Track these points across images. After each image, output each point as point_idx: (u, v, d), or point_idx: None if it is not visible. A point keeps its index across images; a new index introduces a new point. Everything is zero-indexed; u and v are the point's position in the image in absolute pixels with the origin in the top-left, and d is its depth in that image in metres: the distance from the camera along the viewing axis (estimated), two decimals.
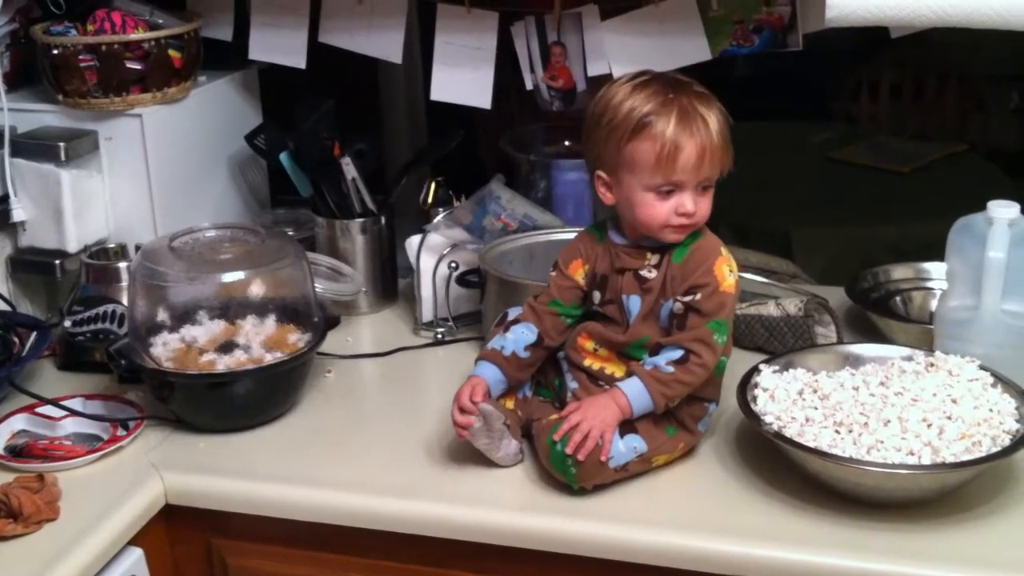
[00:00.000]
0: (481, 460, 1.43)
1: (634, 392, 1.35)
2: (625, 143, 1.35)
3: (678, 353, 1.35)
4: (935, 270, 1.78)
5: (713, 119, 1.35)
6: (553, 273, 1.48)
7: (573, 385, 1.45)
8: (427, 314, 1.82)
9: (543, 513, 1.36)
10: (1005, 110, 4.08)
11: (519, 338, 1.45)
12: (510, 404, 1.46)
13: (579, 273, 1.46)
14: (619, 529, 1.33)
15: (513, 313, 1.50)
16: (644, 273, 1.40)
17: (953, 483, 1.30)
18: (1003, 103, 4.05)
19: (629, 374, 1.39)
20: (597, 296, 1.45)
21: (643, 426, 1.37)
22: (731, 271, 1.38)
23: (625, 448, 1.35)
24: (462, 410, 1.39)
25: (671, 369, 1.35)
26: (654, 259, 1.40)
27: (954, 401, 1.34)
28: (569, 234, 1.75)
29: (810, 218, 2.73)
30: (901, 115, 3.77)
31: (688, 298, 1.36)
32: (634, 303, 1.41)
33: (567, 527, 1.34)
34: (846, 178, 3.04)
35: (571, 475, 1.35)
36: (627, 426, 1.36)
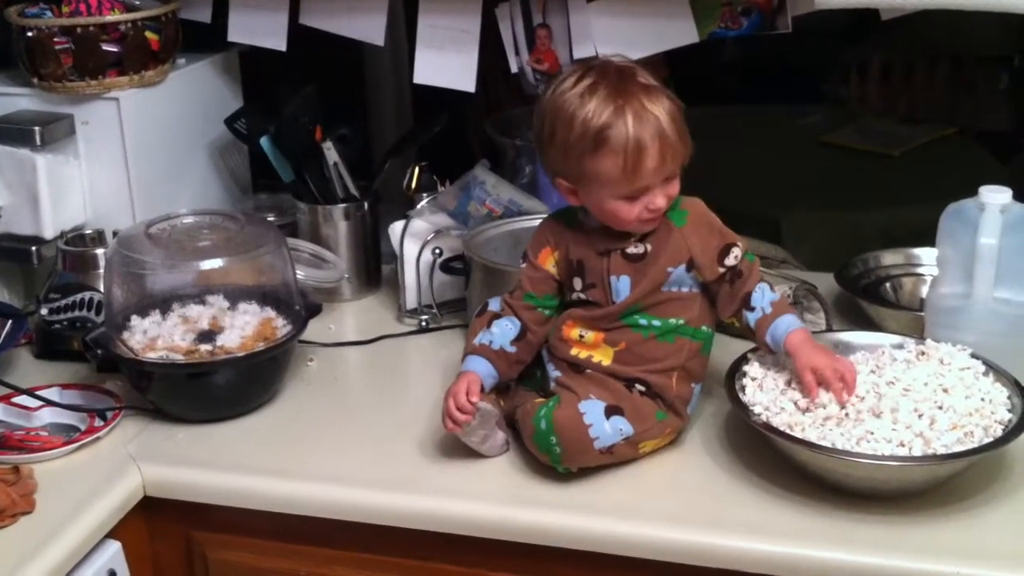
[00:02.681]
0: (466, 451, 1.41)
1: (798, 321, 1.38)
2: (587, 159, 1.34)
3: (773, 294, 1.39)
4: (926, 256, 1.75)
5: (664, 114, 1.32)
6: (523, 265, 1.46)
7: (555, 374, 1.43)
8: (411, 301, 1.79)
9: (528, 505, 1.34)
10: (995, 91, 4.06)
11: (504, 332, 1.44)
12: (493, 395, 1.43)
13: (549, 262, 1.44)
14: (605, 521, 1.31)
15: (494, 304, 1.48)
16: (632, 250, 1.38)
17: (944, 474, 1.29)
18: (993, 84, 4.03)
19: (619, 359, 1.38)
20: (578, 282, 1.42)
21: (630, 409, 1.35)
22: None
23: (611, 429, 1.33)
24: (460, 408, 1.37)
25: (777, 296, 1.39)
26: (638, 233, 1.39)
27: (945, 391, 1.32)
28: None
29: (799, 202, 2.71)
30: (890, 97, 3.75)
31: (731, 262, 1.39)
32: (623, 284, 1.39)
33: (553, 520, 1.32)
34: (836, 162, 3.02)
35: (555, 455, 1.33)
36: (613, 408, 1.34)
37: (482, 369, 1.42)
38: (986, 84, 3.88)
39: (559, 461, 1.34)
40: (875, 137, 3.14)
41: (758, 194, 2.73)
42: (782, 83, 3.77)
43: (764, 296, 1.38)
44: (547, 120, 1.37)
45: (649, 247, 1.38)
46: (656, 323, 1.39)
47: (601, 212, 1.38)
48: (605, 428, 1.33)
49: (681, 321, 1.39)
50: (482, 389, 1.40)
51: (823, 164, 3.02)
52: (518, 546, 1.33)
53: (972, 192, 1.50)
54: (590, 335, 1.41)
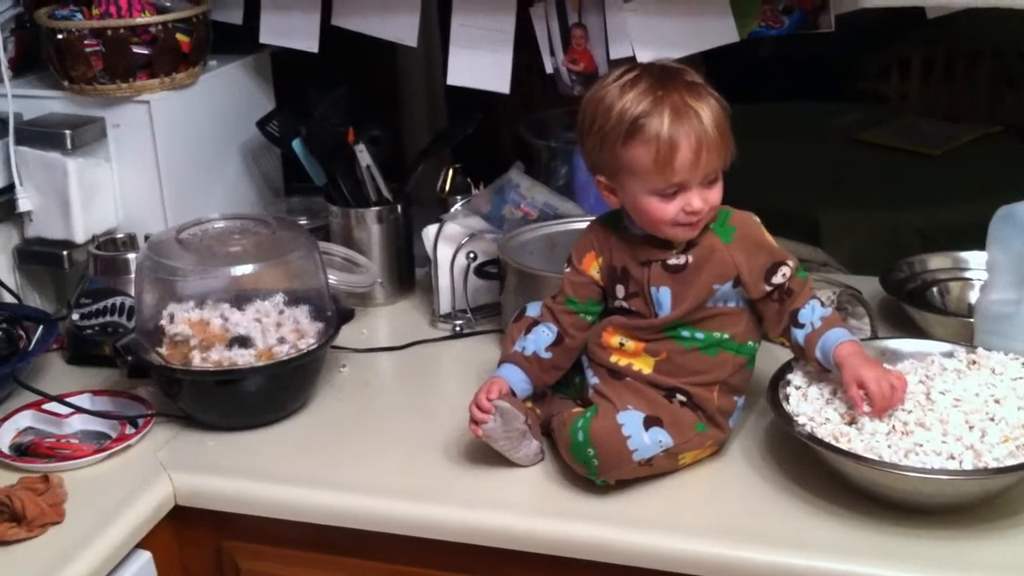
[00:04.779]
0: (500, 460, 1.38)
1: (848, 334, 1.33)
2: (620, 148, 1.31)
3: (823, 310, 1.35)
4: (973, 259, 1.71)
5: (706, 112, 1.29)
6: (567, 269, 1.44)
7: (594, 380, 1.40)
8: (445, 306, 1.77)
9: (564, 517, 1.31)
10: None
11: (539, 338, 1.41)
12: (528, 403, 1.41)
13: (593, 267, 1.41)
14: (643, 535, 1.27)
15: (531, 308, 1.46)
16: (673, 261, 1.35)
17: (995, 489, 1.24)
18: None
19: (660, 368, 1.35)
20: (620, 290, 1.39)
21: (669, 419, 1.32)
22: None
23: (650, 441, 1.30)
24: (479, 408, 1.35)
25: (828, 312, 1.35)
26: (681, 244, 1.36)
27: (997, 401, 1.28)
28: None
29: (839, 202, 2.67)
30: (932, 94, 3.69)
31: (778, 280, 1.35)
32: (664, 295, 1.35)
33: (588, 532, 1.29)
34: (876, 161, 2.98)
35: (592, 467, 1.30)
36: (652, 419, 1.31)
37: (512, 375, 1.40)
38: None
39: (596, 473, 1.31)
40: (916, 136, 3.10)
41: (797, 193, 2.69)
42: (821, 80, 3.72)
43: (814, 312, 1.34)
44: (588, 112, 1.35)
45: (690, 259, 1.35)
46: (700, 336, 1.36)
47: (637, 211, 1.35)
48: (644, 439, 1.30)
49: (726, 336, 1.36)
50: (514, 395, 1.38)
51: (864, 163, 2.98)
52: (554, 559, 1.31)
53: (1017, 191, 1.46)
54: (630, 343, 1.38)
